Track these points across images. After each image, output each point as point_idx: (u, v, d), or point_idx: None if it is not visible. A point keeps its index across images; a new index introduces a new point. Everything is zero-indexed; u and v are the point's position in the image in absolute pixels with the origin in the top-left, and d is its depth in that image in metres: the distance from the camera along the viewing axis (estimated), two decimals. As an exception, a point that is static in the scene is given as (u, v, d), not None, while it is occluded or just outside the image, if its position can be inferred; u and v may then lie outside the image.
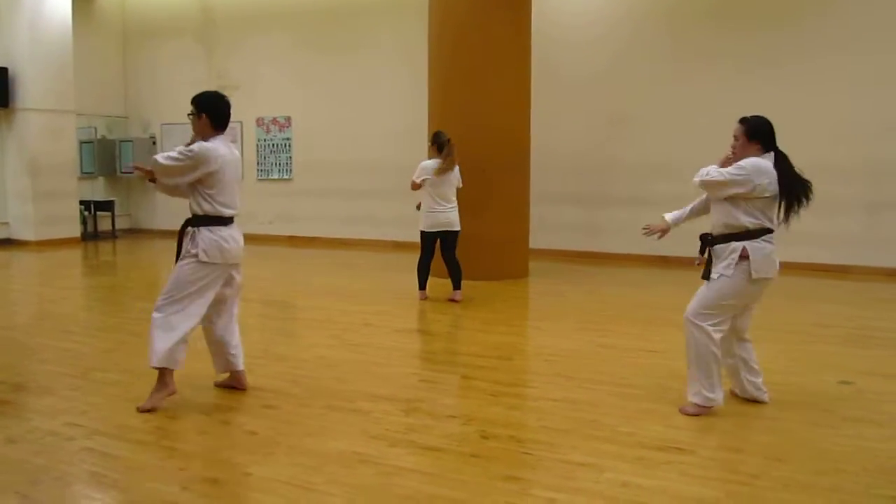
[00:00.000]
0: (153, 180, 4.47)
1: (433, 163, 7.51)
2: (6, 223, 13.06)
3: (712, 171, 4.20)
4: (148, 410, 4.29)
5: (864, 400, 4.57)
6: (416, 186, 7.51)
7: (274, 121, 13.63)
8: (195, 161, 4.29)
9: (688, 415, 4.21)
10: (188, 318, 4.33)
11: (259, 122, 13.77)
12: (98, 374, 5.11)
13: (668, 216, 4.58)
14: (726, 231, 4.19)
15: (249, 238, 12.73)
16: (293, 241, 13.44)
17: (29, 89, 12.56)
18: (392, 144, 12.16)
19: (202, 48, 14.27)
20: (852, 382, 4.90)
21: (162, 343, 4.26)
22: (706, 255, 4.33)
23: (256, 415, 4.26)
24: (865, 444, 3.82)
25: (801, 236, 9.66)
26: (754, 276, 4.11)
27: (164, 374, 4.35)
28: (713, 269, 4.23)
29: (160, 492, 3.26)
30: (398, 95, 12.12)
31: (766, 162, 4.14)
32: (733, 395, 4.54)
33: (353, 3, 12.76)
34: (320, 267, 10.65)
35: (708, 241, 4.30)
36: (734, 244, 4.15)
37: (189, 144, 4.38)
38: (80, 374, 5.09)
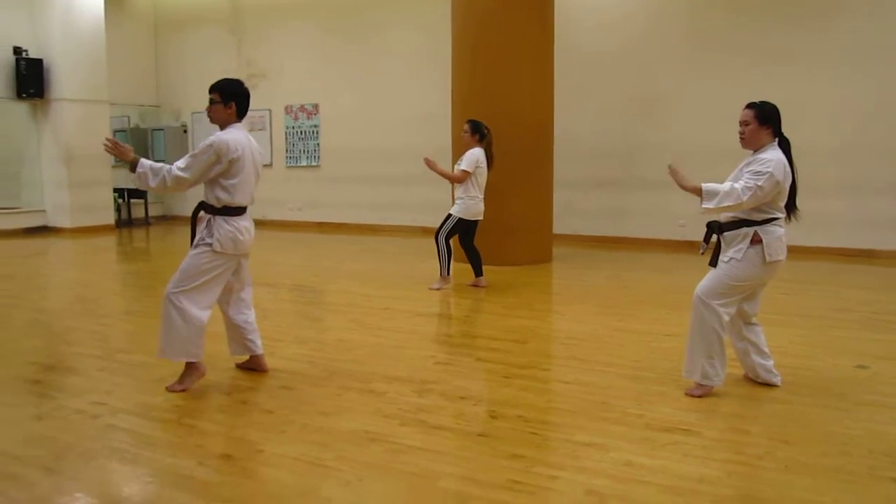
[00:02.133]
0: (133, 170, 4.34)
1: (480, 152, 7.49)
2: (43, 211, 13.40)
3: (741, 190, 4.01)
4: (178, 391, 4.41)
5: (879, 384, 4.56)
6: (467, 176, 7.45)
7: (302, 108, 13.77)
8: (217, 153, 4.26)
9: (694, 397, 4.24)
10: (201, 309, 4.37)
11: (287, 109, 13.92)
12: (124, 355, 5.28)
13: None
14: (736, 218, 4.19)
15: (279, 224, 13.04)
16: (322, 227, 13.60)
17: (63, 80, 12.85)
18: (418, 130, 12.23)
19: (231, 37, 14.45)
20: (868, 367, 4.88)
21: (175, 335, 4.31)
22: (715, 241, 4.33)
23: (273, 395, 4.38)
24: (875, 428, 3.82)
25: (826, 220, 9.68)
26: (768, 259, 4.12)
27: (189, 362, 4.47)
28: (723, 254, 4.23)
29: (177, 466, 3.39)
30: (424, 81, 12.17)
31: (782, 155, 4.13)
32: (746, 378, 4.56)
33: (378, -9, 12.83)
34: (347, 252, 10.77)
35: (715, 228, 4.29)
36: (745, 229, 4.16)
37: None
38: (107, 356, 5.26)
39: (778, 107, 4.24)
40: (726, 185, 4.09)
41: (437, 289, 7.56)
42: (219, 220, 4.40)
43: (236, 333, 4.76)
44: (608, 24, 10.96)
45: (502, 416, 3.97)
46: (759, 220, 4.14)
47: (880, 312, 6.54)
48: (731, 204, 4.04)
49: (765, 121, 4.18)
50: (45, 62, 12.84)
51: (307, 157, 13.84)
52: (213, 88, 4.45)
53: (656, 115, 10.61)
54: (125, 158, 4.32)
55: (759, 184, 3.99)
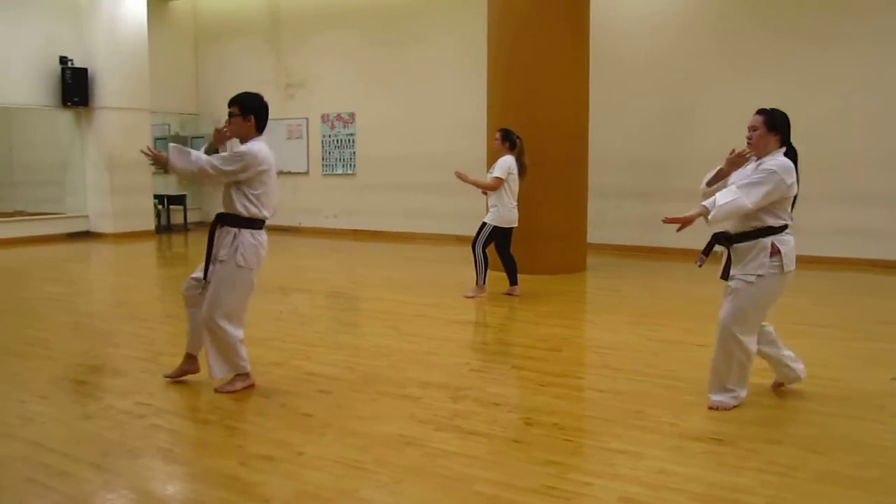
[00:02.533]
0: (165, 169, 4.53)
1: (512, 160, 7.56)
2: (86, 216, 13.73)
3: (739, 196, 3.93)
4: (226, 392, 4.54)
5: (916, 397, 4.53)
6: (500, 183, 7.51)
7: (338, 117, 13.95)
8: (245, 163, 4.36)
9: (725, 409, 4.24)
10: (237, 327, 4.53)
11: (324, 118, 14.11)
12: (167, 358, 5.41)
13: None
14: (749, 228, 4.09)
15: (314, 232, 13.22)
16: (357, 234, 13.75)
17: (107, 89, 13.20)
18: (453, 139, 12.32)
19: (270, 47, 14.69)
20: (906, 379, 4.85)
21: (222, 354, 4.48)
22: (722, 253, 4.24)
23: (312, 398, 4.48)
24: (911, 440, 3.81)
25: (870, 231, 9.58)
26: (786, 269, 4.07)
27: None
28: (741, 271, 4.11)
29: (220, 466, 3.50)
30: (459, 90, 12.27)
31: (788, 160, 4.07)
32: (776, 388, 4.56)
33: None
34: (382, 260, 10.89)
35: (723, 239, 4.17)
36: (762, 241, 4.06)
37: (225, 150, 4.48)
38: (151, 358, 5.41)
39: (786, 115, 4.19)
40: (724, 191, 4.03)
41: (472, 297, 7.61)
42: (245, 233, 4.45)
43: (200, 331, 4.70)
44: (644, 34, 10.96)
45: (537, 423, 4.02)
46: (777, 226, 4.07)
47: (920, 325, 6.47)
48: (732, 203, 3.92)
49: (773, 127, 4.13)
50: (89, 71, 13.19)
51: (343, 166, 14.01)
52: (233, 102, 4.53)
53: (691, 126, 10.58)
54: (161, 162, 4.47)
55: (763, 181, 3.94)
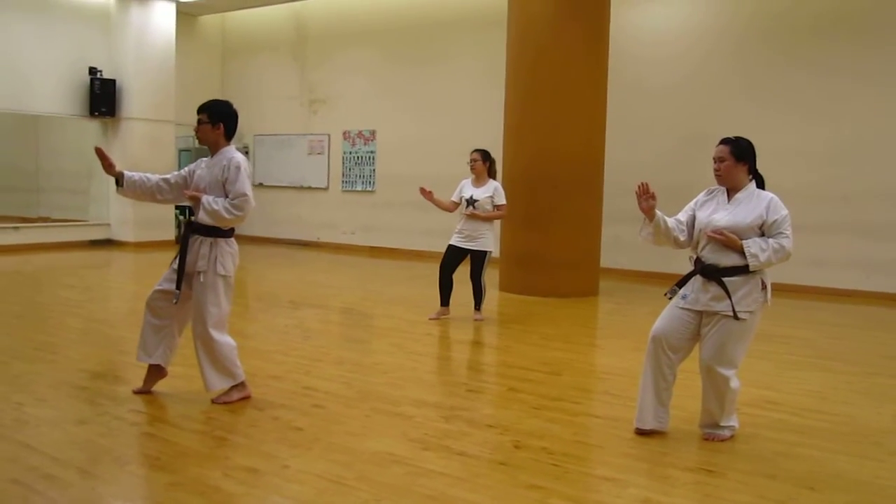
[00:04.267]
0: (119, 182, 4.63)
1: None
2: (108, 224, 13.93)
3: (784, 244, 3.95)
4: (222, 403, 4.56)
5: (919, 435, 4.44)
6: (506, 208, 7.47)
7: (359, 134, 14.05)
8: (249, 197, 4.45)
9: (721, 440, 4.18)
10: (225, 334, 4.56)
11: (345, 135, 14.23)
12: (170, 367, 5.43)
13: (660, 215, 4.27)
14: (741, 263, 3.97)
15: (332, 247, 13.27)
16: (374, 251, 13.79)
17: (134, 100, 13.44)
18: (472, 160, 12.31)
19: (295, 63, 14.87)
20: (911, 417, 4.76)
21: (217, 365, 4.51)
22: (693, 283, 4.13)
23: (305, 413, 4.48)
24: (908, 479, 3.73)
25: (879, 265, 9.43)
26: (769, 304, 4.07)
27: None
28: (737, 306, 3.95)
29: (204, 476, 3.51)
30: (480, 110, 12.30)
31: (772, 194, 4.07)
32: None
33: (436, 19, 13.08)
34: (397, 277, 10.91)
35: (710, 271, 4.05)
36: (756, 276, 3.98)
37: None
38: (152, 367, 5.44)
39: (753, 143, 4.16)
40: (768, 245, 3.95)
41: (480, 320, 7.53)
42: (221, 242, 4.49)
43: (170, 342, 4.73)
44: (664, 60, 10.95)
45: (526, 447, 3.99)
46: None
47: (931, 362, 6.35)
48: (776, 260, 3.96)
49: (741, 157, 4.09)
50: (117, 82, 13.43)
51: (363, 182, 14.09)
52: (202, 109, 4.52)
53: (707, 153, 10.37)
54: (109, 170, 4.56)
55: (788, 228, 3.99)
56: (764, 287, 4.02)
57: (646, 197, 4.26)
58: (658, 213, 4.26)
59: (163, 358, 4.73)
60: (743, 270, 3.99)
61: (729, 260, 4.01)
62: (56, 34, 12.95)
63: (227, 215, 4.39)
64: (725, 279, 4.00)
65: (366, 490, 3.37)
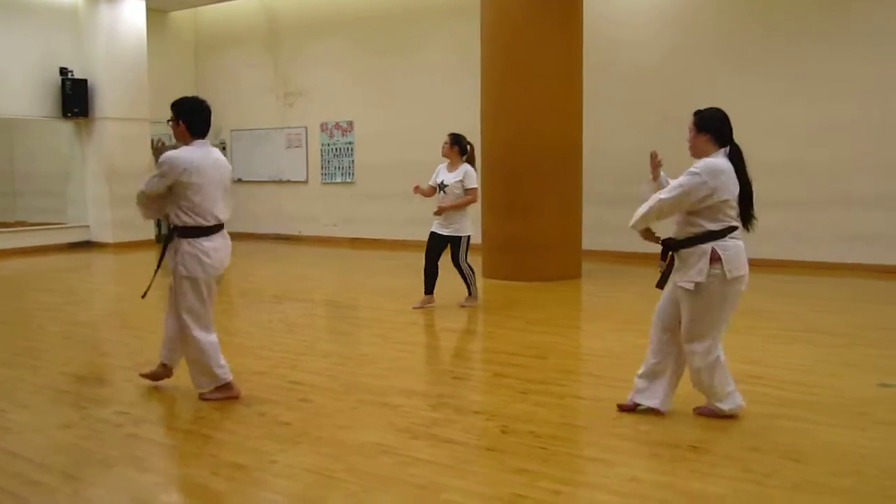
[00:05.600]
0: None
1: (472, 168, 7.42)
2: (87, 226, 13.78)
3: (653, 201, 3.99)
4: (208, 400, 4.53)
5: (901, 403, 4.49)
6: (477, 193, 7.40)
7: (337, 125, 13.98)
8: (162, 171, 4.32)
9: (702, 415, 4.20)
10: (207, 332, 4.51)
11: (323, 126, 14.14)
12: (152, 367, 5.40)
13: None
14: (689, 234, 3.98)
15: (313, 240, 13.13)
16: (356, 242, 13.75)
17: (106, 99, 13.28)
18: (451, 147, 12.29)
19: (269, 57, 14.75)
20: (892, 385, 4.80)
21: (200, 365, 4.50)
22: (667, 262, 4.14)
23: (292, 407, 4.47)
24: (891, 447, 3.77)
25: (862, 237, 9.51)
26: (729, 276, 3.90)
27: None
28: (683, 278, 3.99)
29: (191, 475, 3.50)
30: (457, 98, 12.25)
31: (720, 160, 3.97)
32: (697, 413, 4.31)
33: (409, 7, 12.99)
34: (379, 268, 10.88)
35: (672, 245, 4.06)
36: (702, 247, 3.92)
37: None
38: (136, 368, 5.37)
39: (722, 113, 4.11)
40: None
41: (466, 306, 7.54)
42: (183, 243, 4.41)
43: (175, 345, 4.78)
44: (640, 42, 10.95)
45: (513, 431, 4.00)
46: (718, 230, 3.93)
47: (914, 331, 6.42)
48: (646, 211, 3.99)
49: (702, 128, 4.07)
50: (89, 82, 13.27)
51: (342, 174, 14.02)
52: (171, 106, 4.52)
53: (687, 132, 10.53)
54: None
55: (682, 183, 3.92)
56: (716, 259, 3.90)
57: (653, 164, 4.42)
58: (662, 174, 4.40)
59: (166, 356, 4.82)
60: (692, 242, 3.96)
61: (683, 232, 4.03)
62: (24, 35, 12.75)
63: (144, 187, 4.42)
64: (681, 251, 4.01)
65: (355, 482, 3.37)
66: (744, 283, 4.03)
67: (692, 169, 3.96)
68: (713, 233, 3.93)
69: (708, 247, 3.92)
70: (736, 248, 3.96)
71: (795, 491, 3.25)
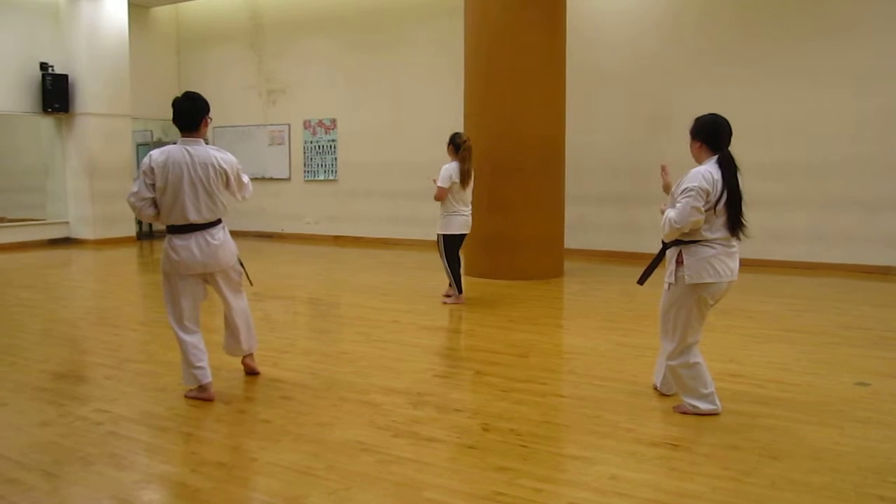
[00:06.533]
0: None
1: (454, 166, 7.42)
2: (67, 223, 13.67)
3: (669, 213, 4.11)
4: (191, 398, 4.55)
5: (877, 402, 4.53)
6: (444, 194, 7.38)
7: (320, 123, 13.94)
8: (142, 174, 4.40)
9: (683, 413, 4.24)
10: (185, 331, 4.52)
11: (306, 124, 14.11)
12: (132, 364, 5.40)
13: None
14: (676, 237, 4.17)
15: (296, 238, 13.16)
16: (338, 240, 13.73)
17: (88, 95, 13.17)
18: (434, 145, 12.15)
19: (252, 53, 14.69)
20: (869, 384, 4.86)
21: (183, 361, 4.54)
22: (655, 258, 4.38)
23: (272, 405, 4.46)
24: (867, 445, 3.81)
25: (843, 236, 9.61)
26: (688, 280, 4.05)
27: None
28: (665, 276, 4.25)
29: (171, 473, 3.48)
30: (440, 96, 12.28)
31: (704, 168, 4.05)
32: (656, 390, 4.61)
33: (393, 5, 13.00)
34: (362, 266, 10.87)
35: (665, 245, 4.26)
36: (673, 249, 4.16)
37: None
38: (116, 365, 5.38)
39: (718, 119, 4.17)
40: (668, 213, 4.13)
41: (448, 302, 7.58)
42: (165, 240, 4.52)
43: (231, 333, 4.95)
44: (622, 42, 11.00)
45: (494, 429, 4.01)
46: (686, 240, 4.09)
47: (890, 330, 6.48)
48: (669, 230, 4.08)
49: (694, 135, 4.18)
50: (70, 77, 13.15)
51: (325, 172, 13.99)
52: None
53: (670, 131, 10.58)
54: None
55: (690, 202, 3.97)
56: (680, 262, 4.09)
57: (662, 175, 4.49)
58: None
59: (230, 349, 4.96)
60: (676, 242, 4.16)
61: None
62: (4, 29, 12.63)
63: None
64: (667, 251, 4.26)
65: (335, 480, 3.37)
66: (709, 292, 4.10)
67: (690, 180, 4.04)
68: (683, 241, 4.12)
69: (677, 249, 4.14)
70: (702, 254, 4.06)
71: (773, 488, 3.29)
